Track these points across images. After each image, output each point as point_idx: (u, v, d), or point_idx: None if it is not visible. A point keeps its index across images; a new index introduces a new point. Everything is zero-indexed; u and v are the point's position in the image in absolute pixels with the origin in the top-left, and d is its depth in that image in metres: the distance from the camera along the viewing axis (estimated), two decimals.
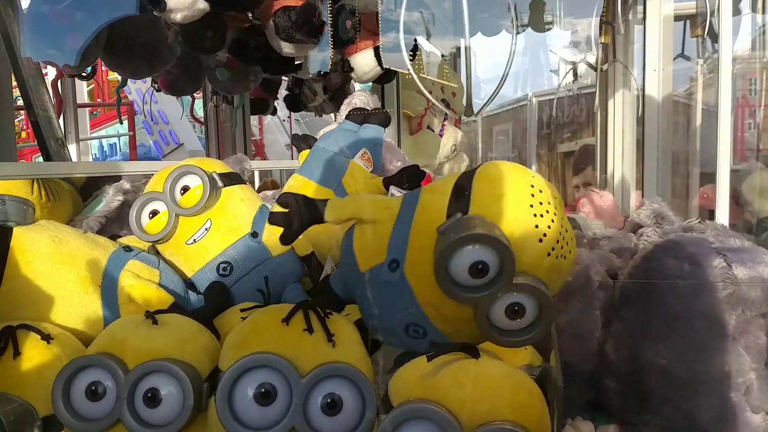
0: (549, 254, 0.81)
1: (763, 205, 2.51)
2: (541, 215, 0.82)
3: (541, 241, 0.80)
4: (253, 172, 2.41)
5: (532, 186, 0.84)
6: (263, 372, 0.80)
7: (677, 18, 3.29)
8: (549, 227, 0.81)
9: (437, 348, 0.80)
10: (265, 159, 5.86)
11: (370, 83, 2.85)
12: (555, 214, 0.83)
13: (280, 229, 1.27)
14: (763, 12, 3.44)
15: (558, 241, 0.82)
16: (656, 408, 1.14)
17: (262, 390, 0.80)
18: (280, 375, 0.80)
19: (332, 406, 0.78)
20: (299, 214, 0.98)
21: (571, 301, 1.20)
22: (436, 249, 0.80)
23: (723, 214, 1.88)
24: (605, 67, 3.56)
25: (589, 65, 4.10)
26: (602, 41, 3.45)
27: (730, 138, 2.09)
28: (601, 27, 3.47)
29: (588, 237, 1.52)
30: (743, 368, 1.09)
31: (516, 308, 0.78)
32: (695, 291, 1.14)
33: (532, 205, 0.82)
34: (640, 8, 3.29)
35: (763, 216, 2.47)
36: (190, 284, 1.22)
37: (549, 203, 0.83)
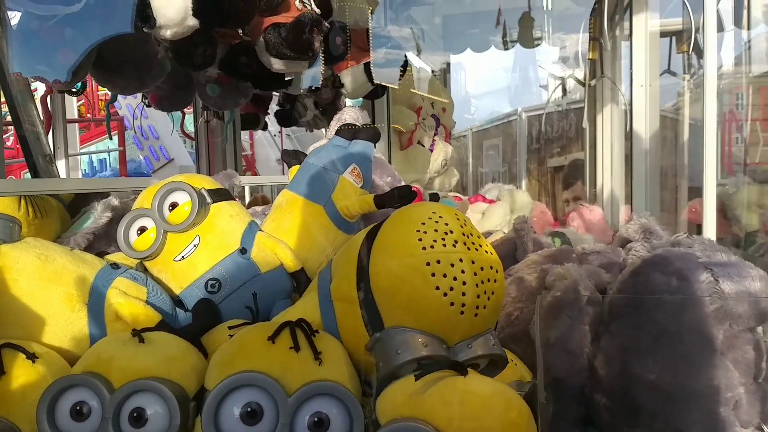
0: (476, 315, 0.84)
1: (750, 219, 2.53)
2: (451, 288, 0.82)
3: (462, 313, 0.83)
4: (244, 188, 2.41)
5: (428, 264, 0.83)
6: (249, 391, 0.80)
7: (663, 34, 3.33)
8: (463, 294, 0.83)
9: (425, 366, 0.79)
10: (256, 174, 5.85)
11: (361, 98, 2.86)
12: (462, 271, 0.83)
13: (269, 246, 1.27)
14: (749, 28, 3.50)
15: (479, 296, 0.84)
16: (646, 423, 1.13)
17: (249, 409, 0.79)
18: (267, 394, 0.79)
19: (319, 425, 0.78)
20: None
21: (560, 317, 1.20)
22: (378, 369, 0.85)
23: (710, 228, 1.90)
24: (593, 82, 3.60)
25: (578, 81, 4.15)
26: (590, 57, 3.49)
27: (716, 152, 2.11)
28: (589, 43, 3.52)
29: (577, 252, 1.52)
30: (732, 383, 1.09)
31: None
32: (683, 306, 1.14)
33: (438, 287, 0.82)
34: (626, 24, 3.34)
35: (751, 230, 2.50)
36: (178, 301, 1.21)
37: (452, 265, 0.83)
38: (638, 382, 1.15)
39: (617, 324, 1.22)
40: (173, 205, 1.22)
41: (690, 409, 1.10)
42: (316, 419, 0.78)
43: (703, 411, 1.09)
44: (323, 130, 3.32)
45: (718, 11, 2.47)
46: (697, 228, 2.35)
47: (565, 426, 1.19)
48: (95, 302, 1.06)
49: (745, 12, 3.58)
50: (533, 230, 1.80)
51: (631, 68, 3.18)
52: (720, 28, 2.92)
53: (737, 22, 3.41)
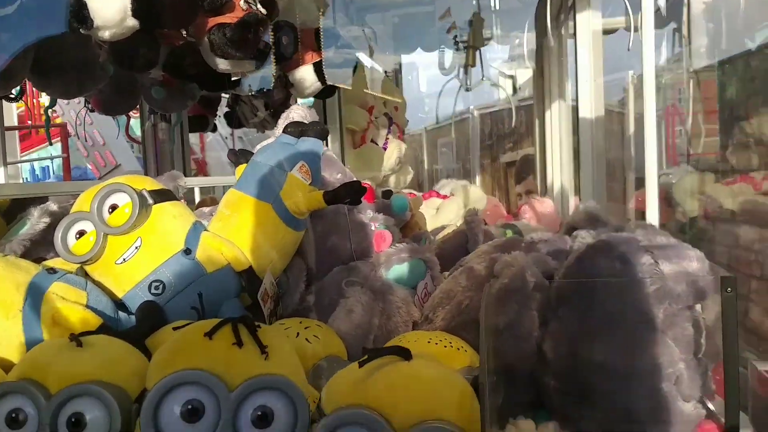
0: None
1: (693, 204, 2.63)
2: None
3: None
4: (194, 189, 2.36)
5: None
6: (190, 389, 0.78)
7: (605, 32, 3.42)
8: None
9: (370, 353, 0.79)
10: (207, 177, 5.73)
11: (312, 98, 2.85)
12: None
13: (215, 245, 1.25)
14: (688, 24, 3.63)
15: None
16: (594, 403, 1.16)
17: (189, 407, 0.77)
18: (208, 390, 0.77)
19: (263, 419, 0.77)
20: None
21: (508, 303, 1.21)
22: None
23: (653, 215, 1.96)
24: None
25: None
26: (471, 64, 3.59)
27: (656, 143, 2.18)
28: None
29: (525, 241, 1.55)
30: (673, 359, 1.12)
31: None
32: (626, 288, 1.17)
33: None
34: (571, 24, 3.42)
35: (694, 215, 2.59)
36: (120, 305, 1.18)
37: None
38: (586, 363, 1.17)
39: (564, 308, 1.24)
40: (113, 207, 1.19)
41: (635, 387, 1.13)
42: (260, 413, 0.77)
43: (648, 388, 1.12)
44: (274, 130, 3.29)
45: (659, 8, 2.54)
46: (643, 216, 2.42)
47: (517, 409, 1.20)
48: (30, 308, 1.03)
49: (684, 9, 3.71)
50: (484, 222, 1.83)
51: (575, 65, 3.25)
52: (659, 25, 3.01)
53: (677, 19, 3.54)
